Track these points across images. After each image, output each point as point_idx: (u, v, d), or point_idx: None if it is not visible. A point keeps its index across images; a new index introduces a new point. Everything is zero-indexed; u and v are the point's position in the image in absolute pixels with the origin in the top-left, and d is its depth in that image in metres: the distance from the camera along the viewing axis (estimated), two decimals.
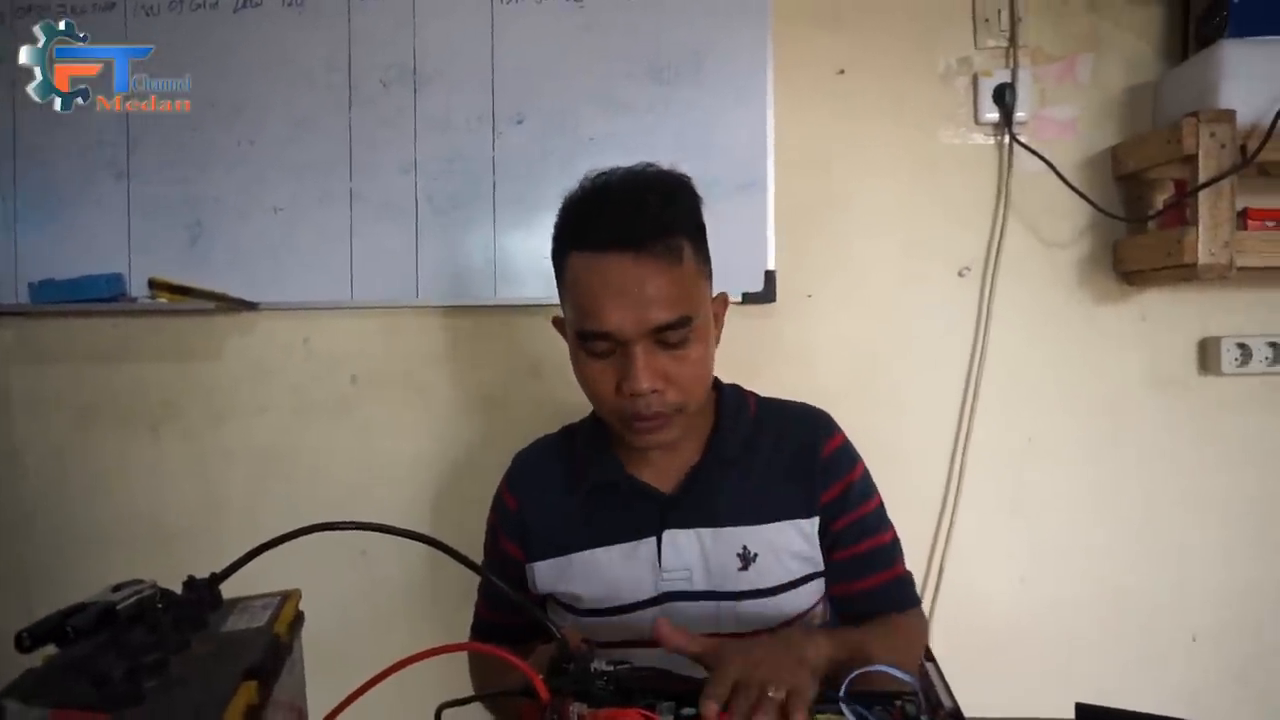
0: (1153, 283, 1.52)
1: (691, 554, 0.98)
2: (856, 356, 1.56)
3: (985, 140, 1.56)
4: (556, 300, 0.98)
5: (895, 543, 1.04)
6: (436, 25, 1.50)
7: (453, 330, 1.56)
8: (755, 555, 0.97)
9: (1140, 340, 1.56)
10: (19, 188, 1.50)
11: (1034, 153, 1.52)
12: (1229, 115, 1.33)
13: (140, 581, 0.58)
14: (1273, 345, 1.52)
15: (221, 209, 1.50)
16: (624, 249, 0.87)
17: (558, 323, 1.00)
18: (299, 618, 0.59)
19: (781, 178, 1.49)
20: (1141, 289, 1.55)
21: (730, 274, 1.42)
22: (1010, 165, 1.54)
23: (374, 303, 1.52)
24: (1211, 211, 1.33)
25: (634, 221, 0.87)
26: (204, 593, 0.58)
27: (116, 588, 0.56)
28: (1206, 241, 1.32)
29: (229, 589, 0.62)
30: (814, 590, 1.00)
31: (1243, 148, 1.33)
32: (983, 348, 1.55)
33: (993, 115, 1.53)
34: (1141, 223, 1.51)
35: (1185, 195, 1.37)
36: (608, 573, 0.99)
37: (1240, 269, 1.34)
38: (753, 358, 1.51)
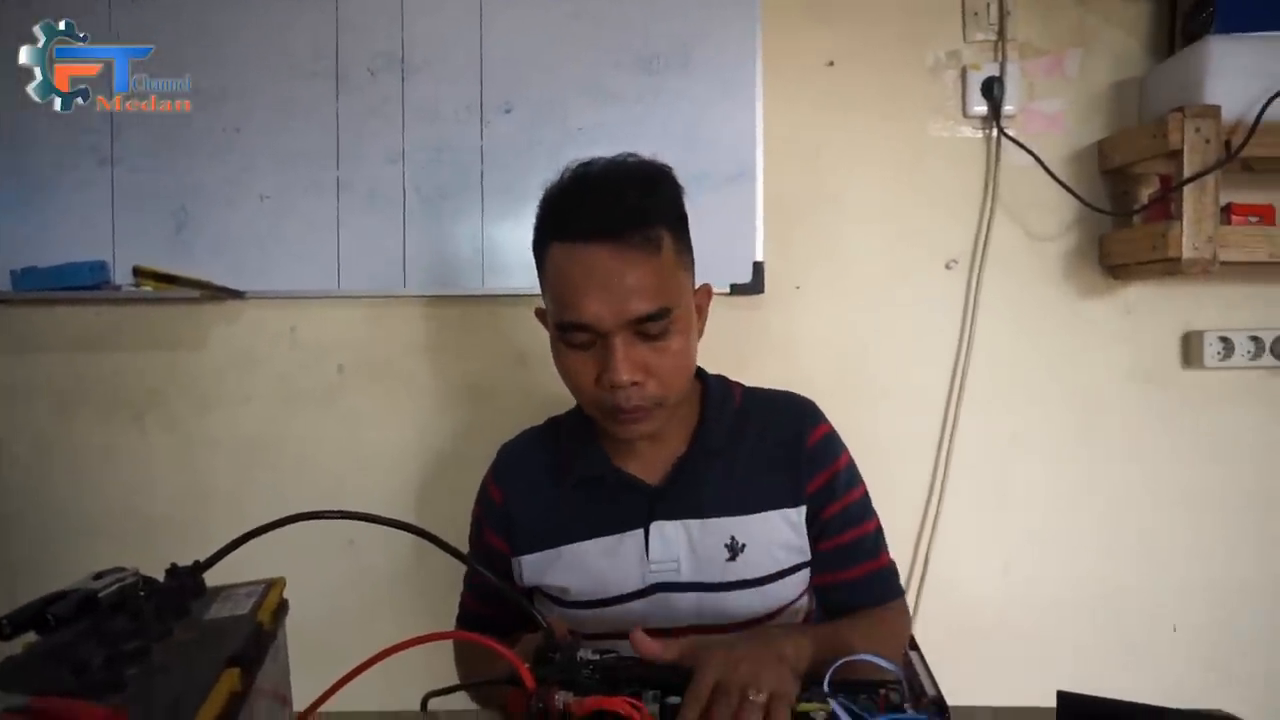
0: (1137, 276, 1.53)
1: (679, 545, 0.98)
2: (844, 348, 1.57)
3: (973, 133, 1.57)
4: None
5: (879, 532, 1.04)
6: (425, 14, 1.49)
7: (440, 320, 1.55)
8: (743, 546, 0.97)
9: (1125, 333, 1.57)
10: (1, 173, 1.48)
11: (1022, 146, 1.52)
12: (1214, 111, 1.34)
13: (122, 569, 0.57)
14: (1255, 339, 1.54)
15: (208, 197, 1.49)
16: (603, 239, 0.86)
17: (540, 314, 1.00)
18: (283, 605, 0.59)
19: (770, 169, 1.49)
20: (1126, 283, 1.56)
21: (718, 265, 1.43)
22: (998, 159, 1.55)
23: (361, 292, 1.52)
24: (1196, 206, 1.34)
25: (613, 211, 0.87)
26: (187, 580, 0.58)
27: (98, 575, 0.56)
28: (1191, 236, 1.34)
29: (214, 579, 0.61)
30: (800, 581, 1.00)
31: (1227, 143, 1.34)
32: (969, 340, 1.56)
33: (981, 109, 1.54)
34: (1127, 217, 1.52)
35: (1170, 190, 1.38)
36: (595, 565, 0.99)
37: (1224, 264, 1.35)
38: (740, 349, 1.51)
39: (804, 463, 1.00)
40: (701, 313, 0.99)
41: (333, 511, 0.68)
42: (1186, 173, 1.33)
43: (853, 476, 1.04)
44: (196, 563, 0.61)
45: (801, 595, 1.02)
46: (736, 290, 1.48)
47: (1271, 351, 1.53)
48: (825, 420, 1.05)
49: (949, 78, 1.56)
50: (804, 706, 0.68)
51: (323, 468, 1.56)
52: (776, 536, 0.98)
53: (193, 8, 1.48)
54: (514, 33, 1.49)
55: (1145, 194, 1.52)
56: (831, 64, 1.56)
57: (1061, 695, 0.65)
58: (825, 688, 0.70)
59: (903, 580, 1.07)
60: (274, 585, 0.60)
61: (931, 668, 0.90)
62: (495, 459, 1.10)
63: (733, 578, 0.97)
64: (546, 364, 0.95)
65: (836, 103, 1.56)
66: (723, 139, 1.48)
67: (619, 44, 1.48)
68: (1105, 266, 1.55)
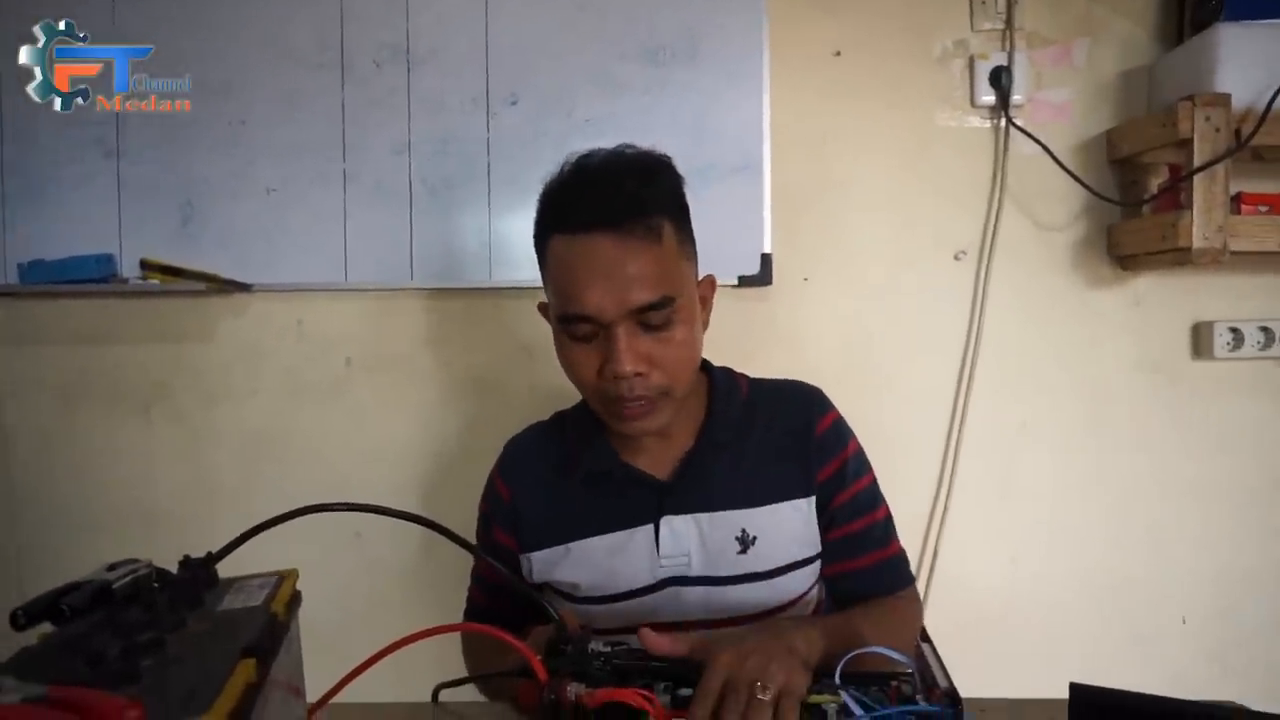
0: (1146, 267, 1.52)
1: (690, 539, 0.97)
2: (852, 339, 1.57)
3: (981, 123, 1.56)
4: None
5: (889, 520, 1.04)
6: (430, 4, 1.48)
7: (447, 313, 1.55)
8: (754, 538, 0.97)
9: (1133, 324, 1.57)
10: (7, 167, 1.48)
11: (1030, 136, 1.52)
12: (1224, 99, 1.33)
13: (135, 560, 0.57)
14: (1265, 330, 1.53)
15: (214, 190, 1.49)
16: (603, 229, 0.86)
17: (542, 309, 0.99)
18: (296, 597, 0.59)
19: (777, 160, 1.48)
20: (1135, 273, 1.55)
21: (726, 257, 1.43)
22: (1006, 148, 1.54)
23: (368, 285, 1.52)
24: (1206, 196, 1.33)
25: (613, 201, 0.86)
26: (200, 572, 0.58)
27: (111, 567, 0.56)
28: (1200, 226, 1.33)
29: (224, 572, 0.61)
30: (811, 574, 1.00)
31: (1237, 132, 1.33)
32: (978, 331, 1.55)
33: (989, 98, 1.53)
34: (1136, 207, 1.51)
35: (1180, 179, 1.37)
36: (605, 560, 0.99)
37: (1234, 253, 1.34)
38: (749, 341, 1.51)
39: (813, 451, 1.00)
40: (706, 304, 0.98)
41: (343, 504, 0.68)
42: (1196, 162, 1.32)
43: (861, 464, 1.03)
44: (209, 554, 0.61)
45: (812, 588, 1.01)
46: (745, 282, 1.48)
47: None
48: (833, 407, 1.04)
49: (956, 67, 1.55)
50: (815, 699, 0.68)
51: (329, 461, 1.56)
52: (787, 528, 0.98)
53: (196, 1, 1.47)
54: (520, 24, 1.48)
55: (1154, 184, 1.51)
56: (838, 54, 1.55)
57: (1074, 687, 0.65)
58: (837, 680, 0.70)
59: (912, 570, 1.07)
60: (286, 577, 0.60)
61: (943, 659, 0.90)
62: (501, 455, 1.09)
63: (744, 570, 0.97)
64: (553, 357, 0.95)
65: (844, 93, 1.55)
66: (729, 130, 1.48)
67: (625, 35, 1.47)
68: (1114, 257, 1.55)
